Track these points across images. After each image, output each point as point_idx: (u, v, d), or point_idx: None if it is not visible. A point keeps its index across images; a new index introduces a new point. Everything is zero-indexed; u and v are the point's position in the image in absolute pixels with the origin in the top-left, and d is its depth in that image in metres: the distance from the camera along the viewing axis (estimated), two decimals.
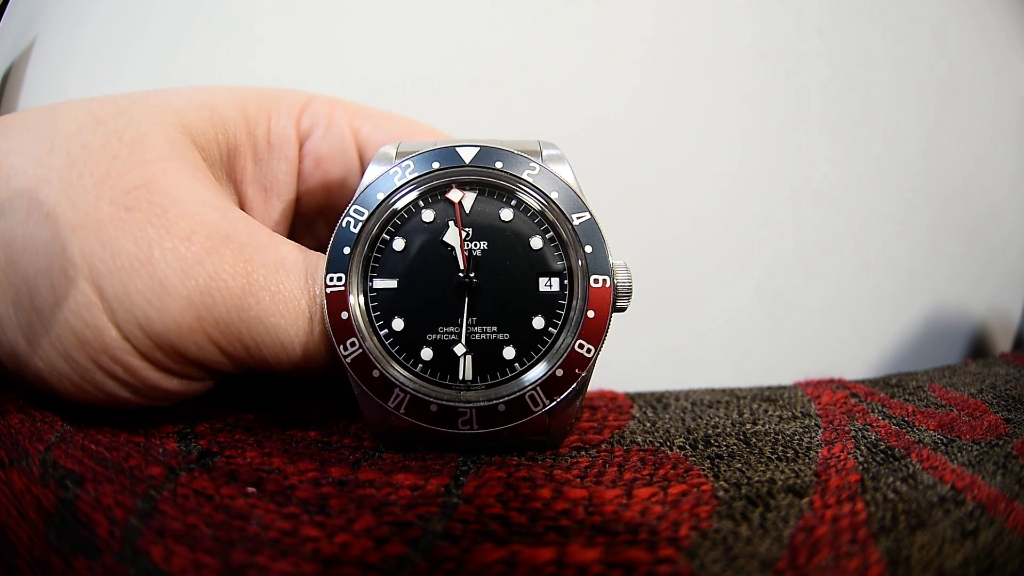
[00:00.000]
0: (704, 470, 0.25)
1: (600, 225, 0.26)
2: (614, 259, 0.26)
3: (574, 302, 0.26)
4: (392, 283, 0.26)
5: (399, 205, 0.26)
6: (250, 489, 0.22)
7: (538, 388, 0.25)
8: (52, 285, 0.23)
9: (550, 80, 0.52)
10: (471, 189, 0.27)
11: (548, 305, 0.26)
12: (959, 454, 0.27)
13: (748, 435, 0.29)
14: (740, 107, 0.55)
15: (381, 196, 0.26)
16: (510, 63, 0.52)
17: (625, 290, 0.26)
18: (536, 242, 0.27)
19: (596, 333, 0.25)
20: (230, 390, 0.32)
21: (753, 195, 0.56)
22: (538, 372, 0.25)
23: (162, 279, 0.23)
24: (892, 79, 0.59)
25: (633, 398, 0.35)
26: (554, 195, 0.26)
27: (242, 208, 0.31)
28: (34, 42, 0.50)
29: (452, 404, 0.25)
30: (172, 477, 0.23)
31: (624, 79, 0.53)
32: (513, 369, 0.26)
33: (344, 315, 0.25)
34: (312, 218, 0.35)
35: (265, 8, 0.49)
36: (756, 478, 0.24)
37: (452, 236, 0.26)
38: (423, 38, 0.50)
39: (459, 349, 0.26)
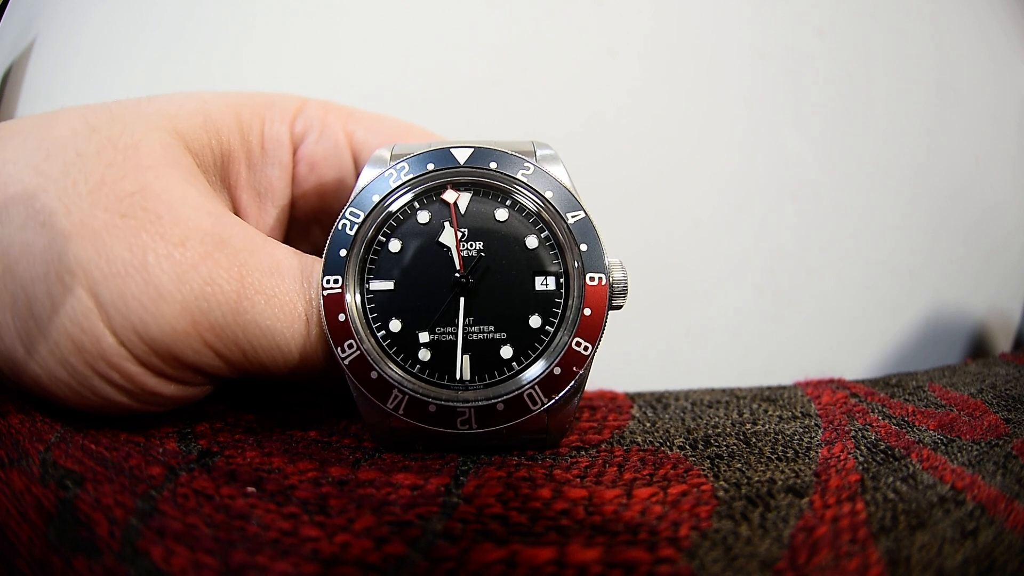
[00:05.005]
0: (704, 470, 0.25)
1: (595, 223, 0.26)
2: (609, 257, 0.26)
3: (570, 300, 0.26)
4: (389, 284, 0.26)
5: (394, 207, 0.26)
6: (250, 489, 0.23)
7: (536, 386, 0.25)
8: (49, 292, 0.23)
9: (550, 80, 0.52)
10: (466, 190, 0.27)
11: (545, 304, 0.26)
12: (959, 454, 0.27)
13: (748, 435, 0.29)
14: (739, 107, 0.55)
15: (376, 198, 0.26)
16: (510, 63, 0.52)
17: (621, 288, 0.26)
18: (531, 241, 0.27)
19: (593, 331, 0.25)
20: (230, 390, 0.32)
21: (753, 195, 0.56)
22: (536, 370, 0.25)
23: (157, 285, 0.23)
24: (892, 79, 0.59)
25: (633, 398, 0.35)
26: (548, 194, 0.26)
27: (237, 214, 0.31)
28: (34, 42, 0.50)
29: (451, 404, 0.25)
30: (172, 477, 0.23)
31: (623, 79, 0.53)
32: (511, 368, 0.26)
33: (341, 317, 0.25)
34: (307, 223, 0.35)
35: (264, 7, 0.49)
36: (756, 478, 0.24)
37: (448, 237, 0.26)
38: (423, 38, 0.50)
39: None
